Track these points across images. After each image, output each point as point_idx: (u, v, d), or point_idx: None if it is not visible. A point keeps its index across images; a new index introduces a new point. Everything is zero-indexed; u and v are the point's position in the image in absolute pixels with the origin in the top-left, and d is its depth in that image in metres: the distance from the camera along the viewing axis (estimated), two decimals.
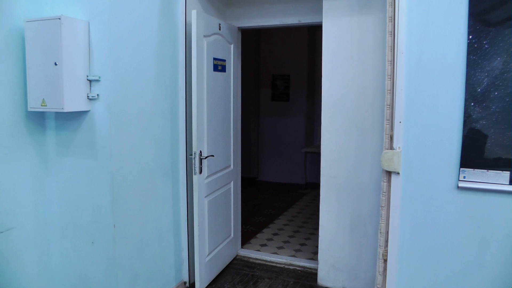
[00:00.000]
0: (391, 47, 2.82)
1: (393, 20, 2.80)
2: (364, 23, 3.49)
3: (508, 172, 2.60)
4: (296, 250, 4.67)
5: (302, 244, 4.85)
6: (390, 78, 2.83)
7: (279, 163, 7.91)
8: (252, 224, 5.51)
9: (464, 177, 2.71)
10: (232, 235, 4.33)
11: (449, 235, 2.79)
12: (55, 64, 2.64)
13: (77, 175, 2.96)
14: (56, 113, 2.93)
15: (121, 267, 3.02)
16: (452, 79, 2.69)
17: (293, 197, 7.11)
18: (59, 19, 2.61)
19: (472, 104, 2.64)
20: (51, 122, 2.96)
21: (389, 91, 2.84)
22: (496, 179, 2.63)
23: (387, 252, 2.94)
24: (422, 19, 2.73)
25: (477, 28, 2.57)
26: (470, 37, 2.60)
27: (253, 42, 7.68)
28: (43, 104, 2.70)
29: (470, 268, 2.74)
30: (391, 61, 2.82)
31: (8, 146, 2.73)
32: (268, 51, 7.85)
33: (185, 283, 3.79)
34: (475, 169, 2.68)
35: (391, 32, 2.82)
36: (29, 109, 2.77)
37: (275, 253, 4.58)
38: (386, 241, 2.95)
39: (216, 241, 3.92)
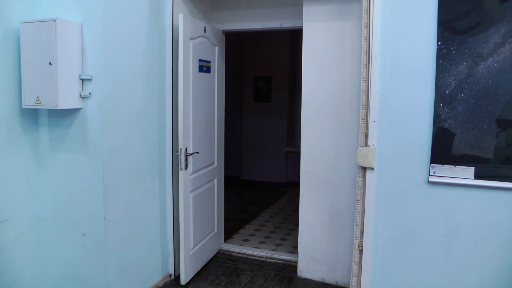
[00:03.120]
0: (366, 51, 3.01)
1: (368, 26, 3.00)
2: (342, 28, 3.68)
3: (473, 168, 2.81)
4: (277, 245, 4.84)
5: (282, 239, 5.03)
6: (365, 80, 3.03)
7: (261, 162, 8.09)
8: (235, 221, 5.66)
9: (434, 172, 2.92)
10: (215, 229, 4.49)
11: (419, 226, 2.99)
12: (50, 63, 2.77)
13: (70, 170, 3.08)
14: (49, 110, 3.05)
15: (111, 259, 3.15)
16: (423, 82, 2.89)
17: (275, 195, 7.28)
18: (54, 21, 2.74)
19: (441, 105, 2.85)
20: (44, 119, 3.09)
21: (364, 93, 3.04)
22: (462, 174, 2.84)
23: (362, 243, 3.14)
24: (395, 26, 2.93)
25: (445, 35, 2.79)
26: (439, 43, 2.81)
27: (236, 44, 7.84)
28: (37, 102, 2.83)
29: (439, 256, 2.96)
30: (366, 65, 3.01)
31: (3, 142, 2.85)
32: (251, 53, 8.01)
33: (170, 275, 3.92)
34: (444, 165, 2.89)
35: (366, 37, 3.01)
36: (24, 106, 2.89)
37: (257, 247, 4.75)
38: (362, 232, 3.14)
39: (200, 235, 4.07)
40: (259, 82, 8.06)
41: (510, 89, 2.68)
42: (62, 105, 2.82)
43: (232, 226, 5.44)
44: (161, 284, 3.80)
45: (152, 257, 3.70)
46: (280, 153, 7.89)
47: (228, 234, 5.07)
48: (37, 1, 2.99)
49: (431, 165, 2.92)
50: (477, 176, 2.80)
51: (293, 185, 7.53)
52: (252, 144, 8.17)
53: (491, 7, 2.70)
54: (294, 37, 7.59)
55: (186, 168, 3.68)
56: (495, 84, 2.70)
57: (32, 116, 3.04)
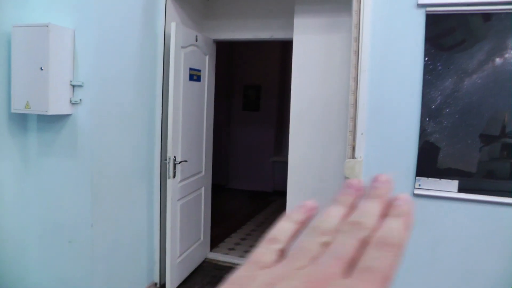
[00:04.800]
0: (355, 65, 3.06)
1: (357, 40, 3.05)
2: (332, 41, 3.74)
3: (457, 181, 2.87)
4: None
5: None
6: (353, 93, 3.08)
7: (248, 171, 8.10)
8: (220, 229, 5.67)
9: (420, 185, 2.96)
10: (202, 238, 4.49)
11: None
12: (41, 69, 2.77)
13: (58, 176, 3.08)
14: (39, 115, 3.05)
15: (97, 266, 3.15)
16: (410, 96, 2.95)
17: (261, 204, 7.30)
18: (47, 26, 2.75)
19: (427, 119, 2.91)
20: (33, 124, 3.09)
21: (352, 105, 3.09)
22: (447, 187, 2.90)
23: None
24: (384, 41, 2.99)
25: (432, 51, 2.85)
26: (426, 59, 2.87)
27: (226, 53, 7.88)
28: (27, 107, 2.83)
29: (423, 267, 3.00)
30: (355, 78, 3.06)
31: None
32: (240, 62, 8.05)
33: (155, 284, 3.92)
34: (429, 178, 2.94)
35: (355, 51, 3.07)
36: (12, 111, 2.89)
37: (243, 256, 4.76)
38: None
39: (187, 243, 4.08)
40: (248, 91, 8.10)
41: (493, 105, 2.74)
42: (52, 111, 2.82)
43: (218, 235, 5.44)
44: None
45: (138, 265, 3.69)
46: (267, 162, 7.92)
47: (214, 243, 5.07)
48: (29, 5, 3.01)
49: (417, 177, 2.97)
50: (460, 189, 2.85)
51: (280, 194, 7.54)
52: (239, 152, 8.20)
53: (475, 25, 2.78)
54: (283, 47, 7.63)
55: (174, 176, 3.69)
56: (479, 100, 2.77)
57: (20, 121, 3.04)
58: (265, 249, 0.37)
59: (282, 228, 0.38)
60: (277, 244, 0.37)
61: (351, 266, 0.32)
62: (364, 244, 0.33)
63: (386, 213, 0.35)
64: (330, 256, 0.33)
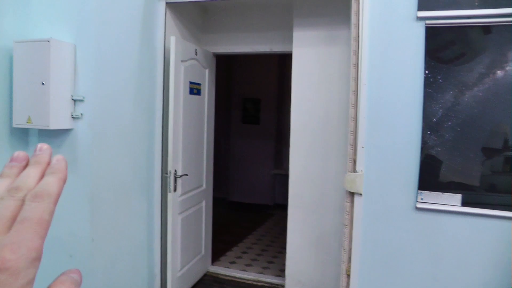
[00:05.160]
0: (355, 78, 3.07)
1: (357, 53, 3.06)
2: (331, 54, 3.76)
3: (460, 195, 2.86)
4: (264, 268, 4.83)
5: (269, 262, 5.02)
6: (354, 106, 3.08)
7: (248, 184, 8.09)
8: (221, 243, 5.64)
9: (422, 199, 2.95)
10: (203, 251, 4.47)
11: (406, 251, 3.02)
12: (43, 83, 2.78)
13: None
14: (40, 130, 3.05)
15: (97, 280, 3.12)
16: (411, 109, 2.95)
17: (262, 217, 7.28)
18: (48, 41, 2.76)
19: (429, 132, 2.90)
20: (34, 139, 3.08)
21: (352, 119, 3.08)
22: (449, 200, 2.88)
23: (350, 268, 3.15)
24: (383, 54, 3.00)
25: (432, 64, 2.86)
26: (426, 72, 2.88)
27: (225, 66, 7.91)
28: (28, 121, 2.83)
29: (425, 282, 2.98)
30: (355, 91, 3.07)
31: None
32: (240, 76, 8.08)
33: None
34: (431, 191, 2.92)
35: (355, 64, 3.07)
36: (14, 126, 2.88)
37: (244, 270, 4.73)
38: (349, 257, 3.16)
39: (188, 257, 4.05)
40: (247, 104, 8.12)
41: (495, 118, 2.74)
42: (53, 126, 2.82)
43: (219, 248, 5.41)
44: None
45: (138, 278, 3.66)
46: (268, 175, 7.91)
47: (215, 256, 5.04)
48: (31, 21, 3.02)
49: (419, 191, 2.95)
50: (464, 203, 2.84)
51: (280, 208, 7.54)
52: (239, 165, 8.18)
53: (476, 38, 2.79)
54: (282, 60, 7.67)
55: (175, 190, 3.68)
56: (480, 113, 2.77)
57: (22, 135, 3.03)
58: (9, 199, 0.39)
59: (26, 174, 0.42)
60: (21, 191, 0.40)
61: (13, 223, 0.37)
62: (23, 202, 0.38)
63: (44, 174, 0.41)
64: None
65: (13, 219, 0.38)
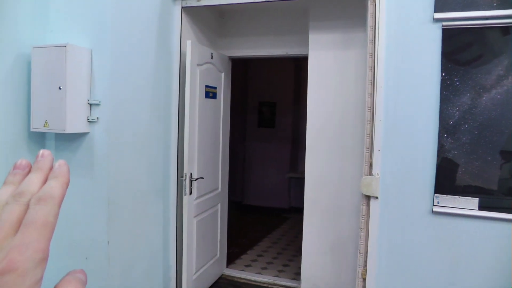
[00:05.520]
0: (371, 81, 3.05)
1: (373, 56, 3.04)
2: (347, 57, 3.74)
3: (477, 199, 2.82)
4: (280, 271, 4.82)
5: (285, 265, 5.01)
6: (370, 109, 3.06)
7: (264, 188, 8.08)
8: (237, 246, 5.64)
9: (438, 202, 2.91)
10: (218, 254, 4.47)
11: (423, 255, 2.98)
12: (60, 88, 2.81)
13: (75, 194, 3.10)
14: (57, 134, 3.09)
15: (113, 283, 3.14)
16: (427, 112, 2.92)
17: (277, 220, 7.26)
18: (65, 46, 2.80)
19: (445, 135, 2.87)
20: (51, 143, 3.12)
21: (369, 122, 3.06)
22: (466, 204, 2.84)
23: (366, 272, 3.13)
24: (400, 57, 2.97)
25: (449, 66, 2.83)
26: (443, 74, 2.85)
27: (241, 69, 7.92)
28: (46, 125, 2.87)
29: (442, 286, 2.94)
30: (371, 94, 3.05)
31: (10, 164, 2.86)
32: (255, 79, 8.09)
33: None
34: (448, 195, 2.89)
35: (371, 67, 3.05)
36: (32, 130, 2.92)
37: (259, 273, 4.73)
38: (365, 261, 3.13)
39: (203, 259, 4.06)
40: (263, 108, 8.12)
41: None
42: (69, 129, 2.85)
43: (234, 251, 5.41)
44: None
45: (154, 281, 3.68)
46: (283, 178, 7.89)
47: (230, 259, 5.04)
48: (48, 26, 3.06)
49: (435, 195, 2.92)
50: (481, 207, 2.80)
51: (296, 211, 7.52)
52: (255, 169, 8.19)
53: (494, 40, 2.75)
54: (298, 63, 7.67)
55: (190, 193, 3.69)
56: (498, 116, 2.72)
57: (39, 140, 3.08)
58: (14, 204, 0.40)
59: (30, 180, 0.43)
60: (25, 197, 0.41)
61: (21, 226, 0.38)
62: (28, 207, 0.40)
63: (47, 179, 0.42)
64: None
65: (19, 223, 0.39)
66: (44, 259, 0.38)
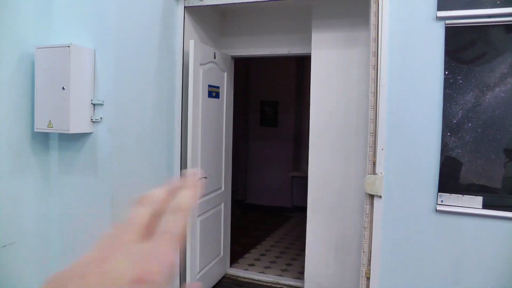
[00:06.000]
0: (374, 79, 3.04)
1: (376, 55, 3.04)
2: (350, 55, 3.74)
3: (481, 197, 2.81)
4: (283, 270, 4.82)
5: (288, 264, 5.01)
6: (373, 108, 3.05)
7: (266, 187, 8.08)
8: (240, 245, 5.65)
9: (442, 201, 2.91)
10: (221, 254, 4.47)
11: (427, 254, 2.98)
12: (63, 88, 2.82)
13: (79, 193, 3.11)
14: (60, 134, 3.09)
15: None
16: (430, 111, 2.92)
17: (280, 219, 7.26)
18: (69, 47, 2.80)
19: (449, 134, 2.86)
20: (55, 143, 3.13)
21: (372, 120, 3.06)
22: (470, 203, 2.84)
23: (369, 270, 3.12)
24: (403, 55, 2.97)
25: (452, 64, 2.82)
26: (446, 72, 2.84)
27: (243, 68, 7.91)
28: (49, 126, 2.87)
29: (446, 285, 2.93)
30: (374, 93, 3.04)
31: (14, 165, 2.89)
32: (257, 78, 8.08)
33: None
34: (452, 194, 2.88)
35: (374, 66, 3.05)
36: (36, 130, 2.93)
37: (263, 272, 4.73)
38: (369, 260, 3.13)
39: (206, 259, 4.07)
40: (265, 107, 8.12)
41: None
42: (73, 130, 2.86)
43: (238, 250, 5.42)
44: None
45: None
46: (286, 177, 7.89)
47: (234, 259, 5.05)
48: (51, 27, 3.07)
49: (439, 193, 2.91)
50: (485, 206, 2.79)
51: (299, 210, 7.52)
52: (258, 168, 8.18)
53: (497, 38, 2.74)
54: (300, 62, 7.66)
55: None
56: (502, 114, 2.72)
57: (43, 140, 3.08)
58: (139, 208, 0.41)
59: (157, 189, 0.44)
60: (149, 202, 0.42)
61: (149, 232, 0.39)
62: (158, 213, 0.40)
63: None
64: (129, 225, 0.40)
65: (143, 228, 0.39)
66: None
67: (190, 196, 0.43)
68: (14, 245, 2.92)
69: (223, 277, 4.55)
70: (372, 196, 3.09)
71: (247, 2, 3.51)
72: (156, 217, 0.40)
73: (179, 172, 3.80)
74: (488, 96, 2.75)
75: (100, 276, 0.35)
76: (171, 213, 0.40)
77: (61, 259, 3.19)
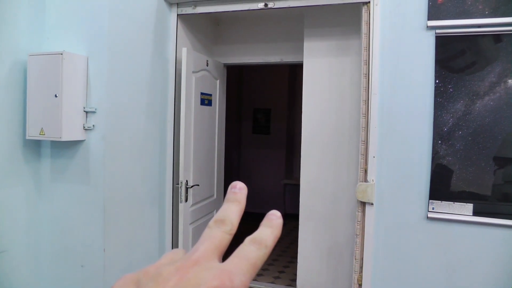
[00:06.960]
0: (365, 88, 3.07)
1: (367, 63, 3.07)
2: (342, 64, 3.77)
3: (472, 204, 2.84)
4: (275, 277, 4.82)
5: (280, 272, 5.01)
6: (364, 116, 3.08)
7: (259, 194, 8.07)
8: (231, 252, 5.60)
9: (433, 208, 2.93)
10: None
11: (418, 261, 3.00)
12: (55, 96, 2.82)
13: (71, 201, 3.10)
14: (52, 141, 3.08)
15: None
16: (421, 119, 2.94)
17: None
18: (61, 54, 2.80)
19: (439, 142, 2.89)
20: (47, 150, 3.12)
21: (363, 128, 3.08)
22: (461, 210, 2.86)
23: (361, 277, 3.14)
24: (394, 64, 3.00)
25: (442, 73, 2.86)
26: (437, 81, 2.87)
27: (236, 76, 7.93)
28: (41, 133, 2.87)
29: None
30: (365, 101, 3.07)
31: (5, 172, 2.87)
32: (250, 86, 8.10)
33: None
34: (443, 201, 2.91)
35: (365, 74, 3.08)
36: (27, 137, 2.92)
37: (255, 279, 4.72)
38: (361, 267, 3.14)
39: None
40: (258, 115, 8.13)
41: (507, 127, 2.73)
42: (65, 137, 2.85)
43: None
44: None
45: None
46: (278, 185, 7.90)
47: None
48: (44, 34, 3.07)
49: (430, 201, 2.94)
50: (475, 213, 2.82)
51: (291, 217, 7.48)
52: (250, 175, 8.18)
53: (486, 47, 2.78)
54: (293, 70, 7.70)
55: (186, 200, 3.70)
56: (491, 122, 2.75)
57: (35, 147, 3.07)
58: (217, 230, 0.42)
59: (229, 210, 0.44)
60: (226, 226, 0.43)
61: (221, 252, 0.41)
62: (227, 235, 0.42)
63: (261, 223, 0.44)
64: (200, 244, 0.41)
65: (219, 249, 0.41)
66: None
67: (270, 235, 0.42)
68: (5, 253, 2.90)
69: None
70: (364, 204, 3.10)
71: (240, 11, 3.53)
72: (230, 240, 0.42)
73: (171, 180, 3.79)
74: (478, 104, 2.78)
75: (179, 281, 0.36)
76: (251, 242, 0.41)
77: (52, 265, 3.17)
